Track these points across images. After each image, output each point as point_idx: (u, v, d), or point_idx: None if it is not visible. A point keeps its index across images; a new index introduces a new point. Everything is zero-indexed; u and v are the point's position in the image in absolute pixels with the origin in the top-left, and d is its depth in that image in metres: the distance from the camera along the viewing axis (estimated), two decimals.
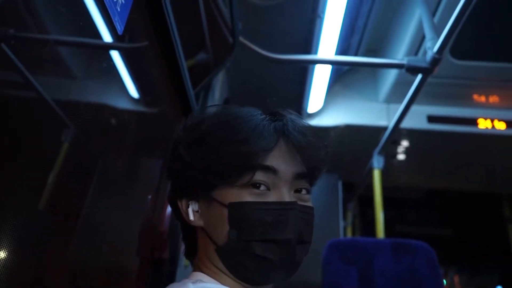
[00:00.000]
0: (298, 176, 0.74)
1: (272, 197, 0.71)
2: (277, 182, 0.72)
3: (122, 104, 1.04)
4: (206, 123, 0.77)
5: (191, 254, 0.84)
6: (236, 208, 0.70)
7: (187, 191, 0.78)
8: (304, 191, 0.76)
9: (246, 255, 0.69)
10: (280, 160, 0.72)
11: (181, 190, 0.79)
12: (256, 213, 0.69)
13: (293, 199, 0.72)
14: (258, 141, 0.70)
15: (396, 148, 3.51)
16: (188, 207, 0.77)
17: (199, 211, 0.76)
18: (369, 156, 2.67)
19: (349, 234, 3.84)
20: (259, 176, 0.70)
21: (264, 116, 0.76)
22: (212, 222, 0.74)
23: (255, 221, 0.69)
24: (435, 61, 1.59)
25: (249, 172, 0.70)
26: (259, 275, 0.71)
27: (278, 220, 0.69)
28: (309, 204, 0.76)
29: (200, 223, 0.76)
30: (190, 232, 0.81)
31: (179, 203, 0.79)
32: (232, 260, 0.72)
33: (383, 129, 2.60)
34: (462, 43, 2.39)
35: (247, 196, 0.70)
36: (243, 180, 0.70)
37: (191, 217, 0.76)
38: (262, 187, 0.71)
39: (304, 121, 0.79)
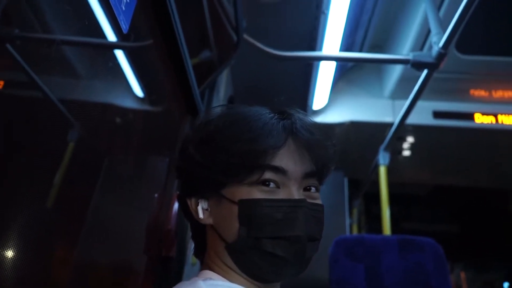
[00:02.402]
0: (307, 175, 0.75)
1: (281, 195, 0.71)
2: (286, 181, 0.72)
3: (127, 103, 1.04)
4: (215, 122, 0.77)
5: (200, 252, 0.84)
6: (246, 205, 0.70)
7: (197, 190, 0.78)
8: (313, 189, 0.77)
9: (256, 252, 0.70)
10: (289, 160, 0.73)
11: (190, 188, 0.79)
12: (266, 210, 0.69)
13: (302, 197, 0.72)
14: (267, 139, 0.71)
15: (401, 144, 3.49)
16: (197, 205, 0.77)
17: (209, 209, 0.77)
18: (375, 153, 2.66)
19: (355, 231, 3.83)
20: (268, 174, 0.71)
21: (272, 114, 0.76)
22: (221, 220, 0.74)
23: (265, 218, 0.69)
24: (441, 56, 1.58)
25: (258, 170, 0.71)
26: (269, 272, 0.71)
27: (288, 217, 0.70)
28: (319, 201, 0.76)
29: (209, 221, 0.76)
30: (199, 230, 0.81)
31: (188, 202, 0.79)
32: (242, 257, 0.72)
33: (388, 125, 2.59)
34: (468, 37, 2.37)
35: (257, 193, 0.70)
36: (253, 178, 0.71)
37: (201, 215, 0.76)
38: (272, 185, 0.71)
39: (312, 119, 0.79)
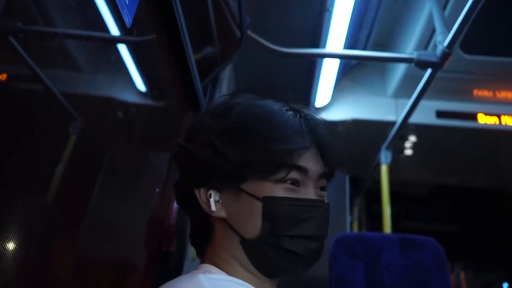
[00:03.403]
0: (322, 175, 0.77)
1: (301, 194, 0.73)
2: (306, 180, 0.74)
3: (129, 97, 1.04)
4: (239, 113, 0.76)
5: (201, 244, 0.82)
6: (271, 203, 0.71)
7: (209, 180, 0.75)
8: (323, 189, 0.79)
9: (276, 249, 0.70)
10: (310, 160, 0.75)
11: (200, 178, 0.77)
12: (290, 209, 0.71)
13: (317, 197, 0.75)
14: (297, 140, 0.73)
15: (403, 143, 3.49)
16: (209, 196, 0.75)
17: (220, 201, 0.75)
18: (376, 151, 2.65)
19: (355, 229, 3.84)
20: (293, 173, 0.72)
21: (291, 112, 0.77)
22: (239, 215, 0.73)
23: (288, 217, 0.71)
24: (445, 55, 1.57)
25: (285, 169, 0.72)
26: (285, 269, 0.73)
27: (309, 216, 0.72)
28: (326, 200, 0.79)
29: (221, 214, 0.74)
30: (204, 222, 0.79)
31: (196, 192, 0.76)
32: (260, 253, 0.72)
33: (390, 124, 2.58)
34: (472, 37, 2.36)
35: (281, 191, 0.71)
36: (278, 176, 0.71)
37: (213, 208, 0.74)
38: (294, 184, 0.73)
39: (323, 119, 0.82)
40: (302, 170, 0.73)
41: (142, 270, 1.15)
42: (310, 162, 0.74)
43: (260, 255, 0.72)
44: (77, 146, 0.71)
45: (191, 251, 1.47)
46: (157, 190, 1.26)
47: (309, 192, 0.74)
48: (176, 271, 1.37)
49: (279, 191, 0.71)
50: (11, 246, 0.55)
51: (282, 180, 0.72)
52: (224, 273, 0.73)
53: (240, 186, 0.73)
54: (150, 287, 1.18)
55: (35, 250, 0.63)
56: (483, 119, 3.00)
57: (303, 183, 0.74)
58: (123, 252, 1.04)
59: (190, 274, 0.70)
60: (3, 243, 0.53)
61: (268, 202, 0.71)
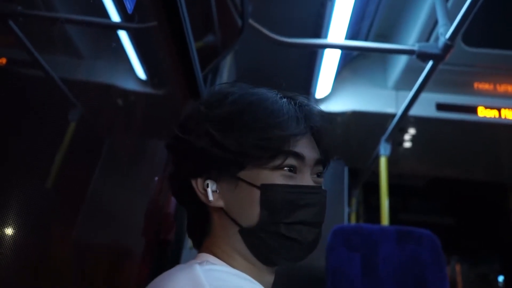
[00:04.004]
0: (318, 162, 0.77)
1: (298, 180, 0.73)
2: (303, 167, 0.74)
3: (129, 85, 1.03)
4: (234, 102, 0.75)
5: (198, 235, 0.82)
6: (268, 190, 0.71)
7: (206, 170, 0.75)
8: (320, 175, 0.79)
9: (275, 236, 0.70)
10: (306, 146, 0.75)
11: (197, 168, 0.76)
12: (288, 195, 0.71)
13: (314, 184, 0.75)
14: (293, 126, 0.72)
15: (403, 136, 3.49)
16: (207, 186, 0.75)
17: (218, 191, 0.75)
18: (375, 143, 2.65)
19: (353, 221, 3.85)
20: (290, 160, 0.72)
21: (287, 99, 0.77)
22: (237, 203, 0.73)
23: (287, 204, 0.71)
24: (447, 47, 1.56)
25: (282, 156, 0.71)
26: (284, 256, 0.73)
27: (307, 203, 0.72)
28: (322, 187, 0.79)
29: (219, 203, 0.74)
30: (201, 212, 0.78)
31: (193, 182, 0.75)
32: (259, 241, 0.72)
33: (390, 116, 2.58)
34: (474, 29, 2.34)
35: (278, 178, 0.71)
36: (275, 163, 0.71)
37: (211, 198, 0.74)
38: (291, 170, 0.73)
39: (319, 106, 0.82)
40: (299, 156, 0.72)
41: (140, 258, 1.15)
42: (306, 148, 0.74)
43: (259, 243, 0.72)
44: (76, 132, 0.70)
45: (189, 240, 1.48)
46: (156, 178, 1.25)
47: (306, 179, 0.74)
48: (174, 259, 1.37)
49: (276, 178, 0.71)
50: (10, 231, 0.55)
51: (279, 167, 0.71)
52: (223, 263, 0.73)
53: (238, 175, 0.72)
54: (147, 274, 1.18)
55: (34, 235, 0.63)
56: (483, 112, 3.00)
57: (300, 169, 0.74)
58: (122, 240, 1.05)
59: (188, 265, 0.69)
60: (3, 227, 0.53)
61: (266, 189, 0.70)
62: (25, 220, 0.58)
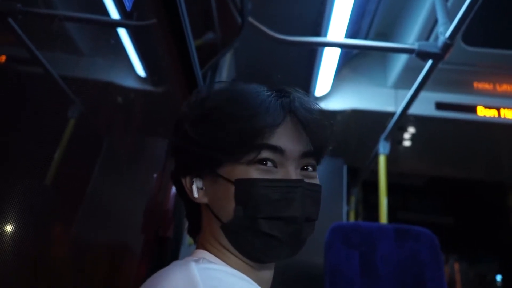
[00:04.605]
0: (305, 155, 0.73)
1: (279, 175, 0.71)
2: (283, 160, 0.71)
3: (129, 82, 1.03)
4: (211, 99, 0.76)
5: (194, 232, 0.84)
6: (242, 185, 0.69)
7: (191, 168, 0.77)
8: (310, 169, 0.76)
9: (252, 232, 0.69)
10: (286, 139, 0.71)
11: (185, 167, 0.78)
12: (263, 190, 0.68)
13: (300, 177, 0.72)
14: (265, 117, 0.69)
15: (402, 134, 3.49)
16: (192, 184, 0.76)
17: (203, 188, 0.76)
18: (375, 142, 2.65)
19: (351, 219, 3.86)
20: (265, 153, 0.70)
21: (270, 92, 0.75)
22: (217, 199, 0.74)
23: (261, 198, 0.68)
24: (447, 46, 1.56)
25: (255, 149, 0.70)
26: (265, 252, 0.71)
27: (285, 197, 0.69)
28: (316, 181, 0.76)
29: (204, 200, 0.76)
30: (194, 209, 0.81)
31: (183, 180, 0.78)
32: (237, 237, 0.72)
33: (390, 114, 2.58)
34: (474, 29, 2.35)
35: (254, 173, 0.69)
36: (249, 157, 0.70)
37: (195, 194, 0.76)
38: (269, 164, 0.70)
39: (310, 98, 0.78)
40: (276, 149, 0.70)
41: (139, 255, 1.16)
42: (285, 140, 0.71)
43: (238, 239, 0.72)
44: (75, 130, 0.71)
45: (187, 237, 1.48)
46: (155, 175, 1.26)
47: (288, 173, 0.70)
48: (173, 256, 1.38)
49: (251, 172, 0.69)
50: (9, 228, 0.55)
51: (254, 161, 0.70)
52: (218, 259, 0.73)
53: (217, 171, 0.73)
54: (146, 272, 1.18)
55: (33, 233, 0.63)
56: (483, 112, 3.00)
57: (281, 163, 0.71)
58: (120, 237, 1.05)
59: (184, 261, 0.70)
60: (1, 225, 0.53)
61: (239, 184, 0.69)
62: (24, 218, 0.59)
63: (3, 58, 0.54)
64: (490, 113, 2.99)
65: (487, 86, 3.04)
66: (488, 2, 1.37)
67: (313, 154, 0.75)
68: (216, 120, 0.72)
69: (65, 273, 0.77)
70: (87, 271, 0.87)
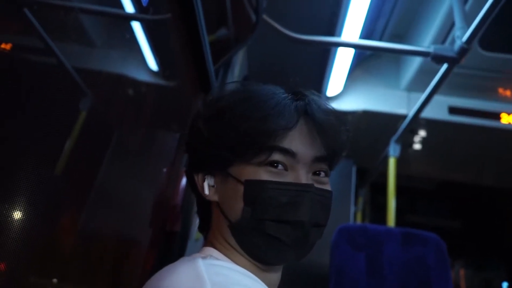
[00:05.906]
0: (318, 159, 0.73)
1: (289, 178, 0.70)
2: (294, 164, 0.71)
3: (141, 76, 1.03)
4: (226, 99, 0.76)
5: (204, 228, 0.84)
6: (252, 186, 0.69)
7: (204, 166, 0.77)
8: (322, 174, 0.75)
9: (258, 234, 0.69)
10: (299, 142, 0.71)
11: (198, 164, 0.79)
12: (271, 192, 0.68)
13: (310, 182, 0.71)
14: (278, 119, 0.69)
15: (413, 137, 3.46)
16: (204, 181, 0.77)
17: (215, 186, 0.76)
18: (385, 144, 2.64)
19: (358, 220, 3.84)
20: (276, 156, 0.70)
21: (286, 95, 0.74)
22: (227, 198, 0.74)
23: (270, 200, 0.68)
24: (463, 51, 1.54)
25: (266, 151, 0.69)
26: (270, 255, 0.71)
27: (293, 201, 0.68)
28: (327, 187, 0.75)
29: (215, 198, 0.76)
30: (205, 206, 0.82)
31: (195, 177, 0.79)
32: (244, 238, 0.72)
33: (401, 117, 2.56)
34: (492, 34, 2.31)
35: (264, 174, 0.69)
36: (260, 158, 0.70)
37: (206, 191, 0.76)
38: (280, 166, 0.70)
39: (327, 102, 0.78)
40: (287, 152, 0.69)
41: (146, 248, 1.16)
42: (298, 144, 0.70)
43: (244, 239, 0.72)
44: (86, 121, 0.71)
45: (194, 232, 1.48)
46: (165, 170, 1.26)
47: (299, 177, 0.70)
48: (179, 250, 1.38)
49: (261, 174, 0.69)
50: (18, 216, 0.55)
51: (265, 163, 0.69)
52: (226, 257, 0.73)
53: (227, 170, 0.73)
54: (152, 265, 1.19)
55: (42, 222, 0.64)
56: (497, 118, 2.96)
57: (292, 166, 0.71)
58: (128, 230, 1.05)
59: (191, 258, 0.70)
60: (11, 213, 0.54)
61: (249, 185, 0.69)
62: (36, 208, 0.59)
63: (17, 47, 0.55)
64: (506, 120, 2.94)
65: (503, 92, 2.99)
66: (508, 6, 1.34)
67: (326, 159, 0.74)
68: (229, 119, 0.72)
69: (73, 263, 0.78)
70: (95, 262, 0.88)
